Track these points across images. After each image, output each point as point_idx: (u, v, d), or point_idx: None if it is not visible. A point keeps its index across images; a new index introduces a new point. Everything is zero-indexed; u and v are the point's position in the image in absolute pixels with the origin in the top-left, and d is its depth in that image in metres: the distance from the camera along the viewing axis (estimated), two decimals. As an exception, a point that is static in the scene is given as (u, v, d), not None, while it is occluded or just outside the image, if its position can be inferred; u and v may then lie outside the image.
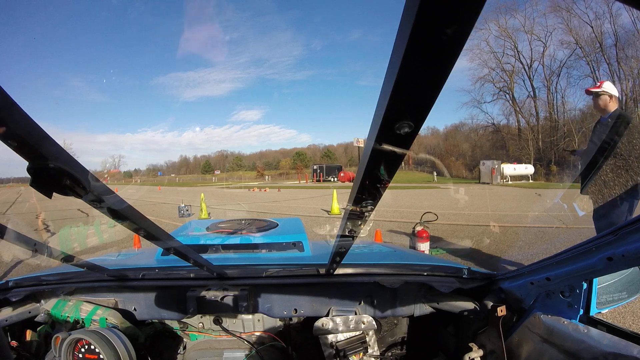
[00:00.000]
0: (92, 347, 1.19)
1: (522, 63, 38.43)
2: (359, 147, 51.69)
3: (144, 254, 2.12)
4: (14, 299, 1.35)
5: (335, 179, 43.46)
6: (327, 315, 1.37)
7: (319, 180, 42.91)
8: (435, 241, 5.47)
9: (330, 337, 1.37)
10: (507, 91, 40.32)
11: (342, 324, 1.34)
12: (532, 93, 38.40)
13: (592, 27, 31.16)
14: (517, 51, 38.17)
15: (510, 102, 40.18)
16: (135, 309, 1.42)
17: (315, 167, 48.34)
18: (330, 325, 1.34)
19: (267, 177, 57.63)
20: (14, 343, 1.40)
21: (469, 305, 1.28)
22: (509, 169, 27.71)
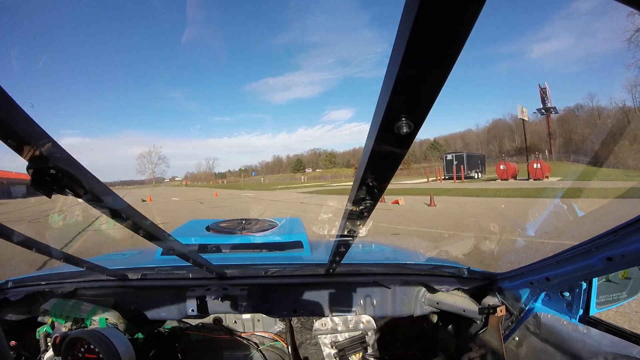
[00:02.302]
0: (92, 346, 1.19)
1: None
2: (523, 119, 42.26)
3: (144, 254, 2.11)
4: (13, 299, 1.34)
5: (480, 175, 28.95)
6: (327, 315, 1.37)
7: (459, 178, 26.85)
8: None
9: (330, 337, 1.37)
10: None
11: (341, 324, 1.34)
12: None
13: None
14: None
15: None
16: (135, 309, 1.42)
17: (449, 156, 31.12)
18: (330, 325, 1.34)
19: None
20: (13, 343, 1.39)
21: (469, 305, 1.28)
22: None
